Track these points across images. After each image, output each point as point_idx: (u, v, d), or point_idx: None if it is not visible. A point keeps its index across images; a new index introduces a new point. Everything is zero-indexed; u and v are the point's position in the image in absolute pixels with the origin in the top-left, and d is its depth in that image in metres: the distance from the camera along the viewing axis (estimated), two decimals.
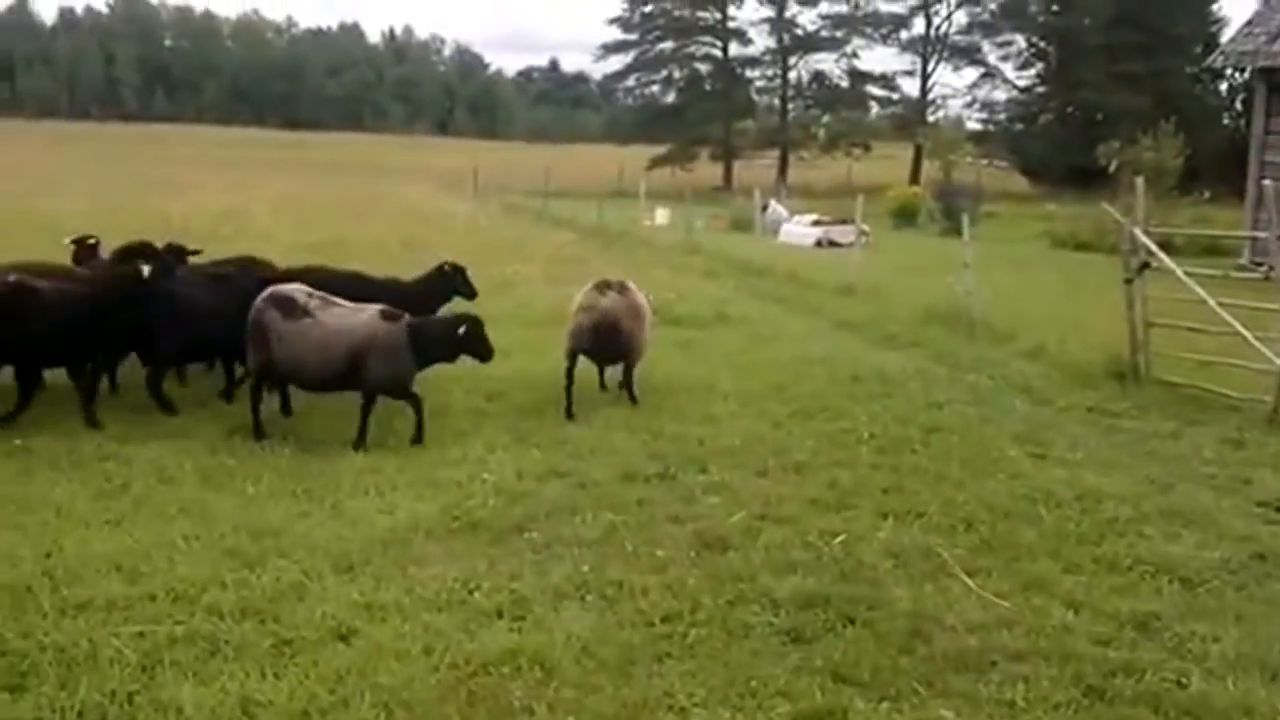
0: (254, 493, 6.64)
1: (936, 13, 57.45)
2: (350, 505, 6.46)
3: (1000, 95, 57.77)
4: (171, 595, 5.05)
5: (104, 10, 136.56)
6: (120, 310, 8.23)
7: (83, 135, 78.29)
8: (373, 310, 8.08)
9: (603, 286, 9.51)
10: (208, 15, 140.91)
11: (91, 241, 10.69)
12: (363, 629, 4.79)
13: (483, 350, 8.28)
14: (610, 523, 6.22)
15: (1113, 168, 28.65)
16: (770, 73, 60.93)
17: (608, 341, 9.27)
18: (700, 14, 59.68)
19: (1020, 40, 56.08)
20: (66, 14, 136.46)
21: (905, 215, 33.13)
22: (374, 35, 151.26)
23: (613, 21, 60.32)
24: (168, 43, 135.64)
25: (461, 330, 8.15)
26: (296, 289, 8.17)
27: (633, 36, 60.15)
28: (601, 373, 9.95)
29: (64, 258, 10.42)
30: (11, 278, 8.09)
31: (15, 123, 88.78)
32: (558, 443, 7.93)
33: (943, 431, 8.47)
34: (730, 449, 7.84)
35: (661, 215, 32.02)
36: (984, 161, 51.47)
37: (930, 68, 57.89)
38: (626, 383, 9.53)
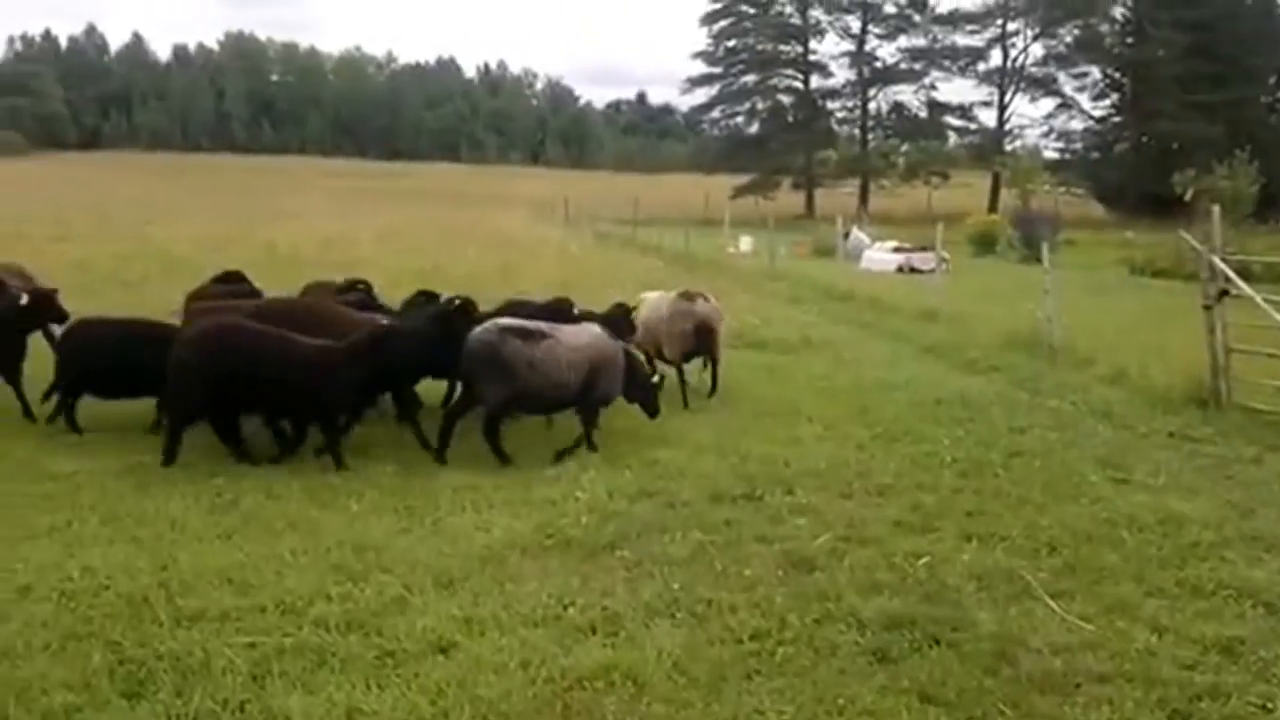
0: (357, 509, 6.93)
1: (1013, 45, 57.44)
2: (449, 522, 6.71)
3: (1076, 125, 57.47)
4: (280, 607, 5.29)
5: (214, 47, 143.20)
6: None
7: (194, 166, 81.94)
8: (593, 328, 8.78)
9: (689, 295, 10.80)
10: (312, 51, 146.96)
11: (361, 286, 10.91)
12: (462, 642, 4.96)
13: (653, 405, 9.13)
14: (699, 542, 6.35)
15: (1189, 195, 28.25)
16: (850, 104, 61.46)
17: (708, 341, 10.62)
18: (782, 48, 60.45)
19: (1095, 72, 55.62)
20: (180, 50, 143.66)
21: (984, 242, 32.87)
22: (470, 70, 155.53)
23: (698, 56, 61.57)
24: (274, 77, 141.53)
25: (657, 378, 9.15)
26: (507, 319, 8.57)
27: (717, 70, 61.16)
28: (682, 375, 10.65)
29: (176, 286, 11.01)
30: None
31: (132, 154, 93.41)
32: (648, 463, 8.10)
33: (1025, 456, 8.47)
34: (815, 471, 7.93)
35: (745, 242, 32.21)
36: (1061, 189, 51.05)
37: (1007, 98, 57.82)
38: (714, 380, 10.73)
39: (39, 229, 25.62)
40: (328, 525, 6.58)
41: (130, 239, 23.38)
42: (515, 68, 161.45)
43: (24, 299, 9.32)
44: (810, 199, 57.45)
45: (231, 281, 11.02)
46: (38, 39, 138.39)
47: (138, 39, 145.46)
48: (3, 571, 5.64)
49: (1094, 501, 7.27)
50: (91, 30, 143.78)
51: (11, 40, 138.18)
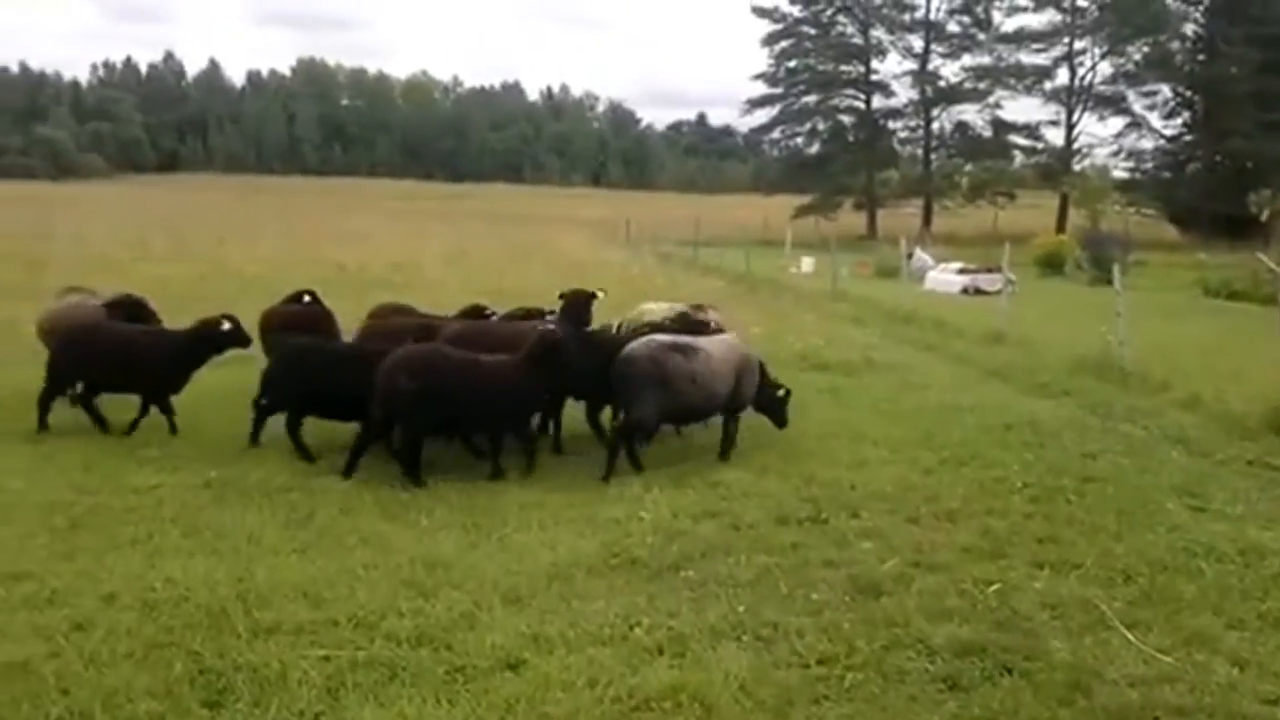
0: (427, 525, 7.05)
1: (1080, 64, 56.23)
2: (516, 539, 6.79)
3: (1147, 144, 55.91)
4: (353, 621, 5.39)
5: (287, 73, 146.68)
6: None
7: (267, 189, 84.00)
8: (729, 337, 9.25)
9: (700, 308, 11.13)
10: (381, 76, 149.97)
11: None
12: (530, 659, 5.02)
13: (782, 416, 9.50)
14: (764, 564, 6.34)
15: (1265, 216, 27.40)
16: (913, 124, 60.71)
17: None
18: (844, 68, 60.15)
19: (1166, 90, 54.30)
20: (254, 76, 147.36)
21: (1052, 264, 32.30)
22: (533, 93, 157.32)
23: (758, 77, 61.28)
24: (344, 102, 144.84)
25: (781, 391, 9.46)
26: (654, 336, 8.94)
27: (778, 91, 60.91)
28: None
29: (253, 305, 11.30)
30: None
31: (207, 177, 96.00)
32: (711, 484, 8.11)
33: (1098, 482, 8.31)
34: (882, 494, 7.87)
35: (807, 263, 32.11)
36: (1131, 210, 49.99)
37: (1075, 117, 56.43)
38: None
39: (122, 250, 26.47)
40: (398, 540, 6.70)
41: (206, 259, 24.03)
42: (577, 90, 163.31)
43: (226, 324, 9.78)
44: (872, 220, 57.06)
45: (301, 301, 11.32)
46: (119, 66, 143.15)
47: (214, 65, 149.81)
48: (90, 581, 5.84)
49: (1170, 530, 7.11)
50: (169, 57, 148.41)
51: (95, 67, 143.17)
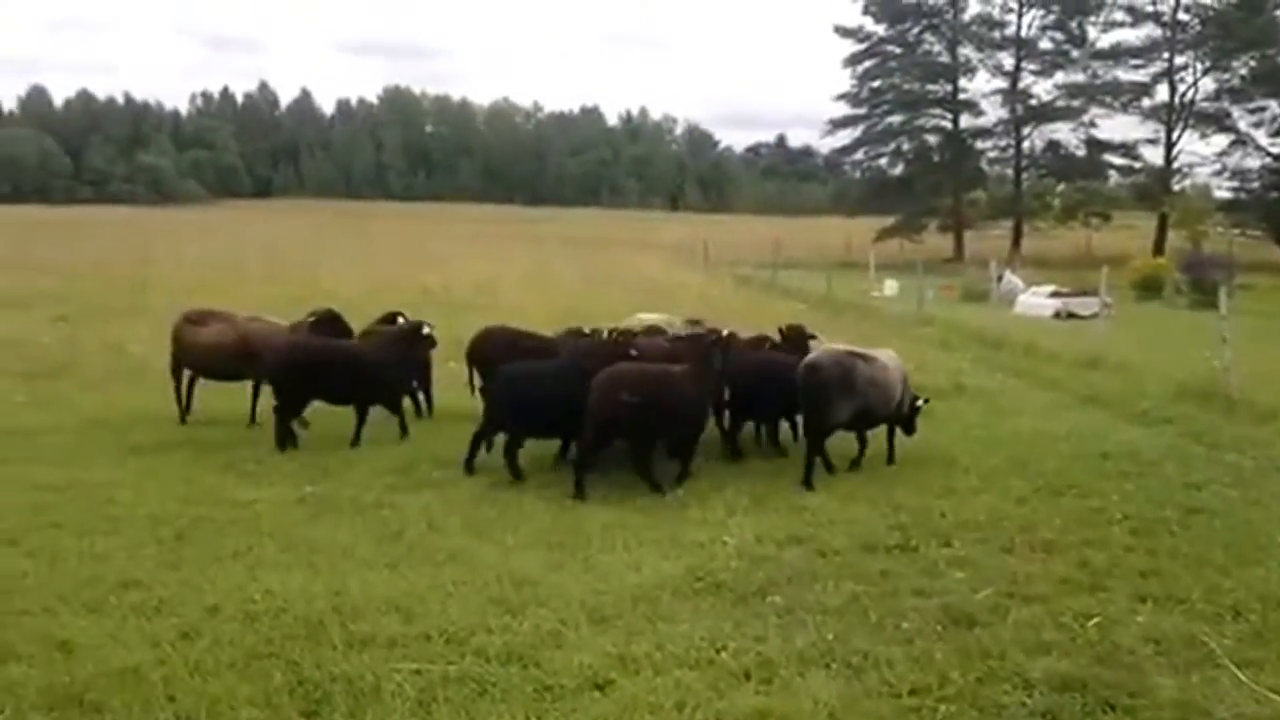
0: (512, 543, 7.12)
1: (1181, 80, 54.17)
2: (600, 559, 6.81)
3: (1252, 162, 53.52)
4: (444, 636, 5.47)
5: (374, 101, 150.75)
6: None
7: (355, 213, 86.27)
8: (889, 351, 10.06)
9: (696, 321, 11.73)
10: (464, 103, 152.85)
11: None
12: (617, 680, 5.02)
13: (912, 424, 9.92)
14: (853, 592, 6.25)
15: None
16: (1002, 143, 59.38)
17: None
18: (930, 87, 59.24)
19: (1274, 105, 52.07)
20: (343, 105, 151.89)
21: (1149, 287, 31.31)
22: (612, 117, 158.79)
23: (840, 97, 60.65)
24: (429, 129, 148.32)
25: (920, 401, 9.95)
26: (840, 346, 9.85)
27: (861, 111, 60.24)
28: None
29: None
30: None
31: (299, 202, 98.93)
32: (796, 509, 8.04)
33: (1203, 514, 8.00)
34: (973, 523, 7.70)
35: (890, 286, 31.69)
36: (1235, 231, 48.12)
37: (1175, 135, 54.46)
38: None
39: (221, 274, 27.42)
40: (485, 557, 6.77)
41: (301, 281, 24.71)
42: (656, 114, 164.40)
43: (426, 329, 10.67)
44: (959, 241, 55.97)
45: (392, 321, 11.59)
46: (217, 96, 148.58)
47: (305, 94, 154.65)
48: (194, 591, 6.03)
49: None
50: (264, 87, 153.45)
51: (194, 97, 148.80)
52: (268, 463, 9.25)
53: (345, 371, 10.04)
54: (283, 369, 9.90)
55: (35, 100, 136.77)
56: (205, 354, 11.06)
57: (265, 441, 9.95)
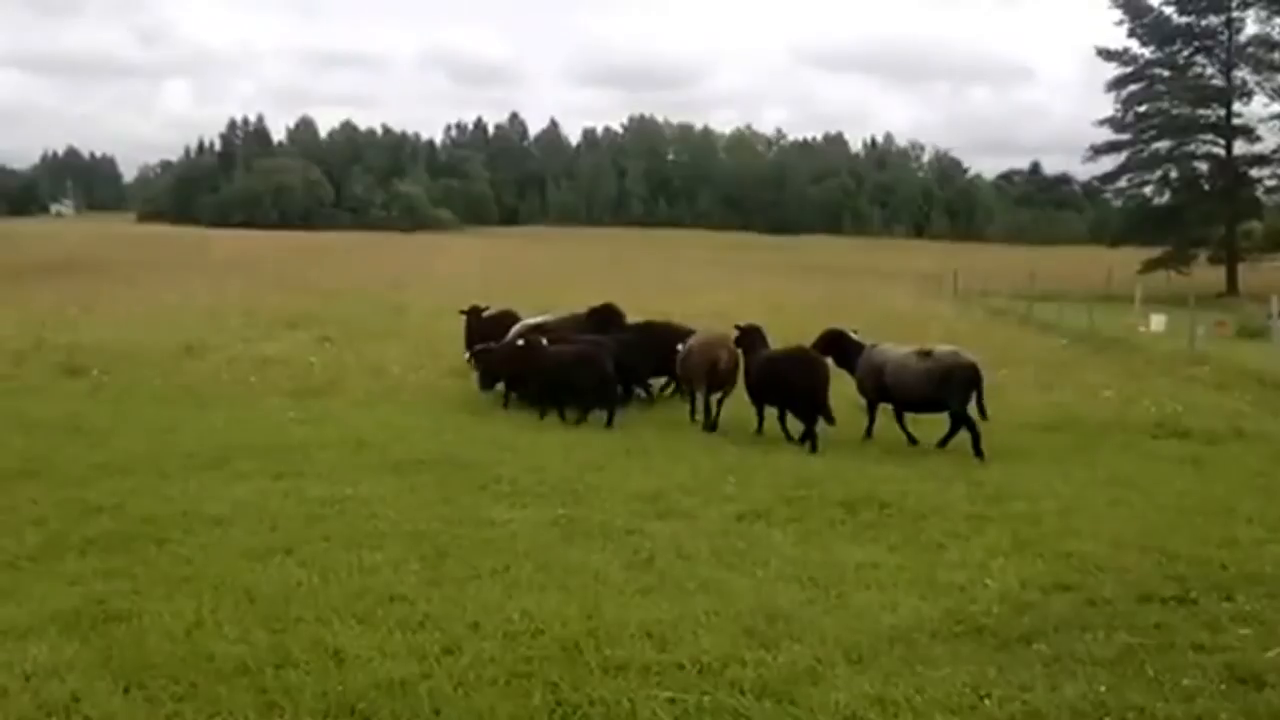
0: (763, 575, 7.00)
1: None
2: (854, 597, 6.59)
3: None
4: (697, 666, 5.40)
5: (619, 130, 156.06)
6: None
7: (597, 239, 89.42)
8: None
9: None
10: (705, 131, 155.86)
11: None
12: None
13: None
14: (1126, 644, 5.77)
15: None
16: None
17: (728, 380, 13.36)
18: (1201, 112, 54.86)
19: None
20: (589, 134, 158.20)
21: None
22: (856, 144, 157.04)
23: (1103, 122, 57.26)
24: (670, 157, 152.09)
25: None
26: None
27: (1125, 136, 56.56)
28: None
29: None
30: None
31: (544, 229, 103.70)
32: (1060, 555, 7.54)
33: None
34: (1259, 577, 6.99)
35: (1157, 321, 29.34)
36: None
37: None
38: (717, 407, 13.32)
39: (473, 298, 28.92)
40: (736, 588, 6.68)
41: (544, 308, 25.68)
42: (901, 141, 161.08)
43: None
44: (1232, 274, 51.44)
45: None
46: (470, 127, 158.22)
47: (553, 125, 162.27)
48: (455, 607, 6.24)
49: None
50: (514, 118, 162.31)
51: (448, 128, 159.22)
52: (519, 484, 9.52)
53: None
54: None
55: (302, 131, 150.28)
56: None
57: (516, 462, 10.30)
